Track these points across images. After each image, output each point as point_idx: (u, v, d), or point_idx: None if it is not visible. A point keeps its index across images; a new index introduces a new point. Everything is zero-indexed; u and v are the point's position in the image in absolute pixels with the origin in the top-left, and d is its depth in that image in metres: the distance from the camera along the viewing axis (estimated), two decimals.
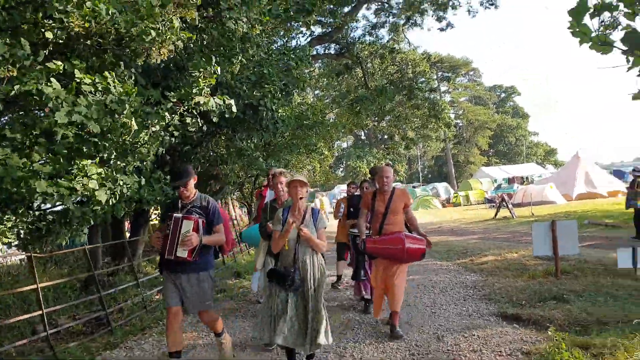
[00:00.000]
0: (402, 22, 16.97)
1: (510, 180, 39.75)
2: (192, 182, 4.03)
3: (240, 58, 5.65)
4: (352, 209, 6.71)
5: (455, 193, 36.47)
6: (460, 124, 55.06)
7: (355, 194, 7.11)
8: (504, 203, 19.92)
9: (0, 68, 3.40)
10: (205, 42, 5.24)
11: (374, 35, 16.71)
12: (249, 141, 9.01)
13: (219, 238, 4.03)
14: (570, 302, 5.53)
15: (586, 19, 2.38)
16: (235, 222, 15.19)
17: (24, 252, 5.66)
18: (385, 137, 42.62)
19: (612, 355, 3.60)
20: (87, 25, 3.46)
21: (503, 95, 61.85)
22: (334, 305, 6.63)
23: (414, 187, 43.16)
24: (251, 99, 7.62)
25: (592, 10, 2.34)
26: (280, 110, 8.67)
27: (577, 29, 2.39)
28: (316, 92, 29.14)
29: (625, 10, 2.30)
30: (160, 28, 3.78)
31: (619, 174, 31.24)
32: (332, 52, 15.28)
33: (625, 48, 2.27)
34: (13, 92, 3.99)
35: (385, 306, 5.46)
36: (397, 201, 5.13)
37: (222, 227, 4.07)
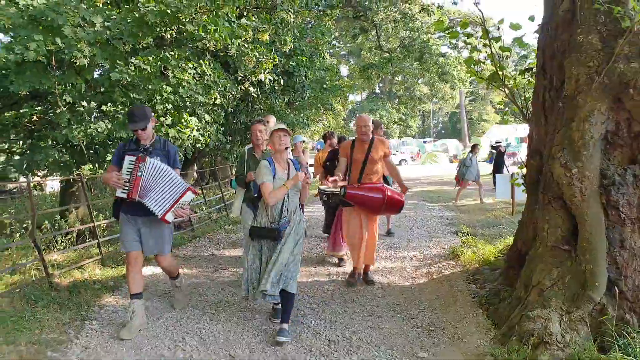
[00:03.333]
0: None
1: (522, 140, 42.01)
2: (151, 125, 4.03)
3: (289, 42, 8.38)
4: (327, 162, 6.57)
5: (464, 150, 39.03)
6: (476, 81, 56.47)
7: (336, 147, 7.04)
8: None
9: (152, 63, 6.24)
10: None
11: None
12: (280, 100, 11.79)
13: None
14: (505, 227, 8.44)
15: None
16: None
17: None
18: (400, 92, 44.65)
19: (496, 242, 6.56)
20: (205, 37, 6.21)
21: (523, 52, 62.70)
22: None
23: (425, 142, 45.73)
24: (287, 67, 10.36)
25: (474, 62, 5.11)
26: (308, 76, 11.40)
27: (470, 69, 5.19)
28: (334, 43, 31.14)
29: (491, 63, 5.07)
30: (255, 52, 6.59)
31: None
32: (350, 16, 17.59)
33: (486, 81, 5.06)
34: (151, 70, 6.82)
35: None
36: (376, 150, 5.18)
37: (178, 171, 4.15)
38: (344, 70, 37.55)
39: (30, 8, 5.64)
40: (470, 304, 4.59)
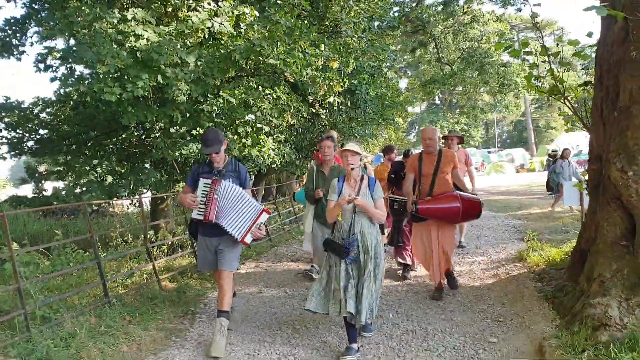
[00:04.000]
0: None
1: None
2: (223, 148, 4.23)
3: (352, 64, 9.15)
4: (392, 175, 6.57)
5: (531, 159, 38.01)
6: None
7: (396, 160, 7.21)
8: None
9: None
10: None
11: (447, 10, 19.21)
12: (343, 116, 12.57)
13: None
14: (573, 232, 8.61)
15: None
16: None
17: None
18: (462, 102, 44.42)
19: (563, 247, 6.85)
20: (283, 67, 7.09)
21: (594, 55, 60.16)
22: None
23: (489, 152, 44.91)
24: (349, 86, 11.13)
25: (533, 77, 5.59)
26: (370, 93, 12.10)
27: (530, 83, 5.67)
28: (392, 57, 31.81)
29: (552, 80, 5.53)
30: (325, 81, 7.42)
31: None
32: (409, 30, 18.20)
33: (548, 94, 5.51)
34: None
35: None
36: (445, 162, 5.15)
37: (249, 191, 4.35)
38: (402, 83, 38.04)
39: (134, 49, 6.74)
40: (536, 298, 5.02)
